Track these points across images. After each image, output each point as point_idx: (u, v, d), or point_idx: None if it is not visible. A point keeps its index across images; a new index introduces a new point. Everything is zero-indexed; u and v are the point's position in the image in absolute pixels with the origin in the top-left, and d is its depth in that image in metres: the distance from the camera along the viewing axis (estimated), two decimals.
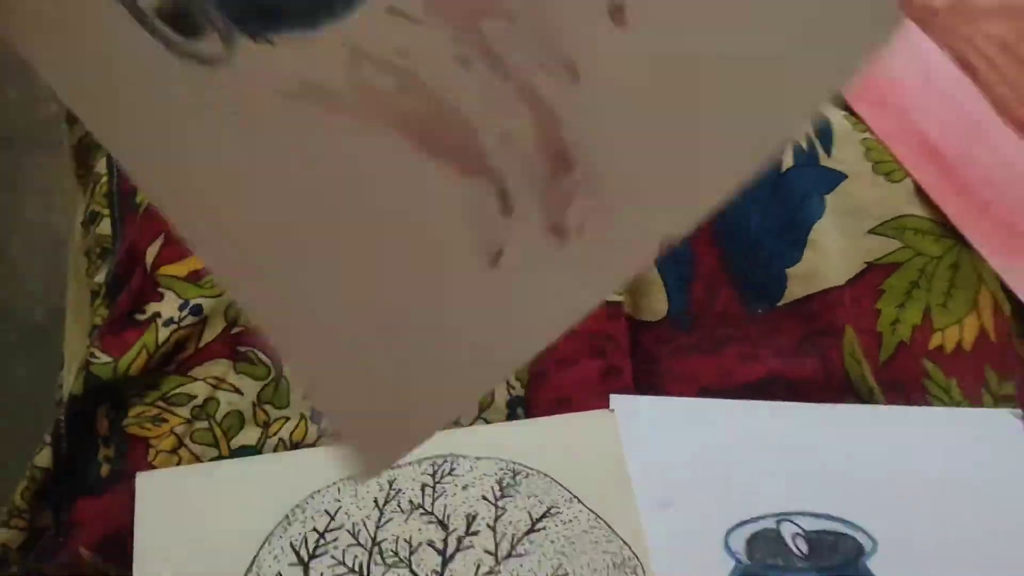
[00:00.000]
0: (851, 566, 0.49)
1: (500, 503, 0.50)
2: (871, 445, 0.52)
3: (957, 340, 0.57)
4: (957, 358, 0.56)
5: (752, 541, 0.50)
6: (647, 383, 0.56)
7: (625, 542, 0.50)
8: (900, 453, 0.52)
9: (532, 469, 0.51)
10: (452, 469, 0.51)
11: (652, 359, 0.57)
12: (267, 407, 0.53)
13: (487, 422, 0.54)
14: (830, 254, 0.58)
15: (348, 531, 0.48)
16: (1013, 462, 0.52)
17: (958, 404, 0.55)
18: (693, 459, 0.53)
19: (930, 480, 0.51)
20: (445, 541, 0.49)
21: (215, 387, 0.53)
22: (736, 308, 0.58)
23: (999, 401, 0.55)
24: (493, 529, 0.49)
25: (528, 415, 0.54)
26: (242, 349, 0.55)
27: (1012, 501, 0.51)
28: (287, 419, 0.53)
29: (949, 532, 0.50)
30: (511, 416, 0.54)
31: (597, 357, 0.56)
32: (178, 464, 0.51)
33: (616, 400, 0.55)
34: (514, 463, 0.51)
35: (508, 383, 0.54)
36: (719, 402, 0.54)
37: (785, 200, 0.59)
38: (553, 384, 0.55)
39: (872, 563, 0.49)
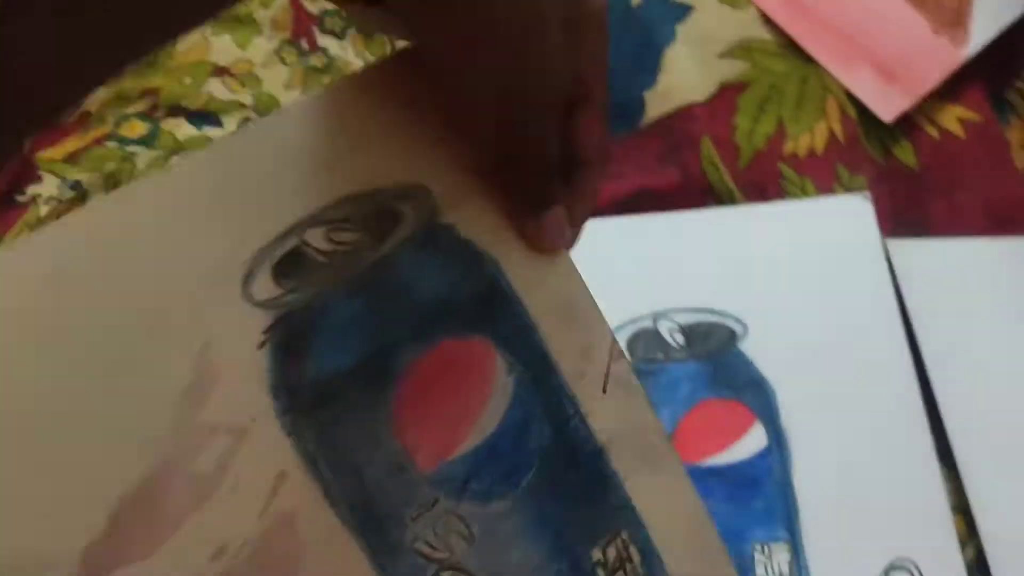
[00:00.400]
0: (726, 351, 0.52)
1: None
2: (735, 241, 0.55)
3: (809, 145, 0.60)
4: (810, 160, 0.59)
5: (633, 340, 0.52)
6: None
7: None
8: (762, 244, 0.55)
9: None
10: None
11: None
12: None
13: None
14: (684, 76, 0.60)
15: None
16: (864, 239, 0.55)
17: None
18: None
19: (791, 265, 0.54)
20: None
21: None
22: None
23: (851, 192, 0.59)
24: None
25: None
26: None
27: (863, 274, 0.54)
28: None
29: (811, 310, 0.53)
30: None
31: None
32: None
33: None
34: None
35: None
36: (593, 221, 0.56)
37: (636, 31, 0.61)
38: None
39: (744, 345, 0.52)
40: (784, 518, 0.47)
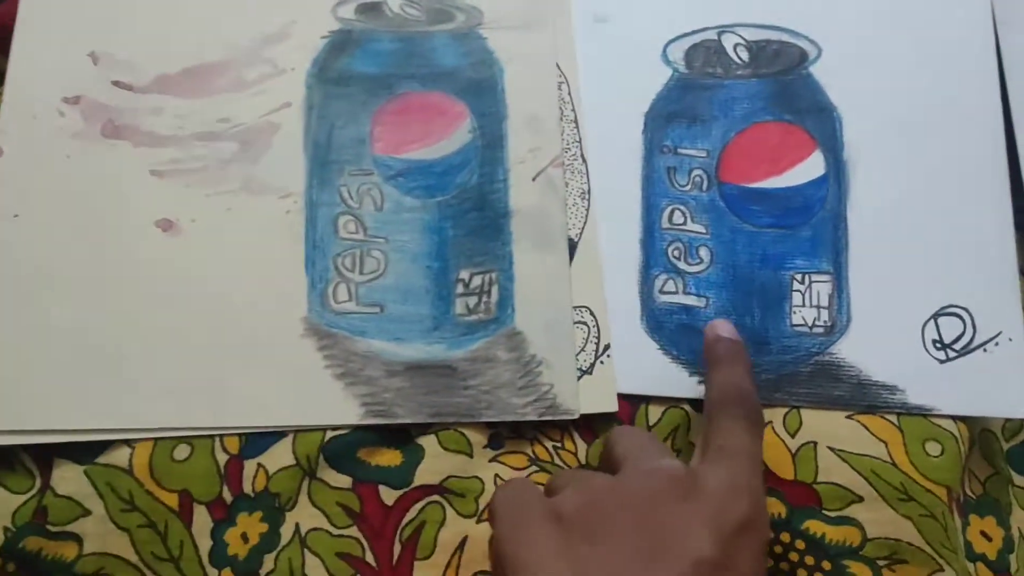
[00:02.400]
0: (793, 72, 0.47)
1: None
2: None
3: None
4: None
5: (691, 51, 0.48)
6: None
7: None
8: None
9: None
10: None
11: None
12: None
13: None
14: None
15: None
16: None
17: None
18: None
19: None
20: None
21: None
22: None
23: None
24: None
25: None
26: None
27: (965, 10, 0.48)
28: None
29: (897, 39, 0.48)
30: None
31: None
32: None
33: None
34: None
35: None
36: None
37: None
38: None
39: (815, 69, 0.47)
40: (831, 251, 0.44)
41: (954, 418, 0.42)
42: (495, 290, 0.44)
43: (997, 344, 0.42)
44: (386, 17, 0.48)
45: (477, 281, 0.44)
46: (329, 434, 0.40)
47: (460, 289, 0.44)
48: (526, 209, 0.45)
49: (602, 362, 0.43)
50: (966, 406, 0.41)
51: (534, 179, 0.45)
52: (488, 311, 0.44)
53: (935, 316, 0.43)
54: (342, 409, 0.41)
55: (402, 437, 0.41)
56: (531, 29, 0.47)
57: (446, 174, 0.45)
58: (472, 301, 0.44)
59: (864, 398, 0.41)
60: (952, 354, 0.42)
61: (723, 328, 0.40)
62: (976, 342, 0.42)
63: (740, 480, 0.33)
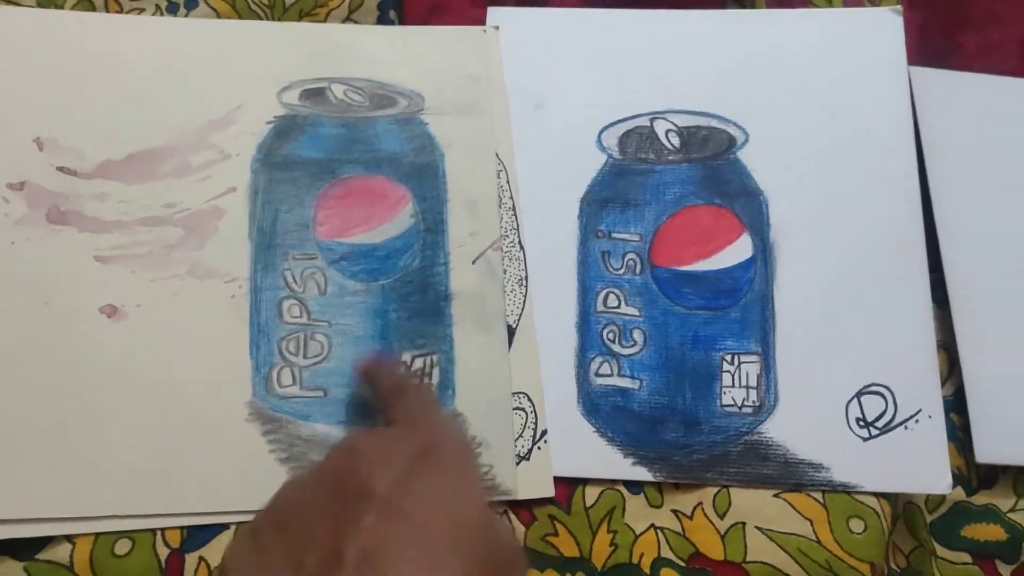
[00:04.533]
0: (722, 157, 0.49)
1: None
2: (750, 46, 0.51)
3: None
4: None
5: (625, 137, 0.50)
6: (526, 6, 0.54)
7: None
8: (778, 51, 0.51)
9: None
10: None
11: None
12: None
13: (356, 23, 0.52)
14: None
15: None
16: (889, 57, 0.51)
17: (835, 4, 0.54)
18: (570, 65, 0.51)
19: (806, 75, 0.50)
20: None
21: None
22: None
23: (882, 3, 0.54)
24: None
25: (401, 22, 0.52)
26: None
27: (882, 94, 0.50)
28: None
29: (820, 124, 0.50)
30: (382, 20, 0.52)
31: None
32: None
33: (494, 12, 0.53)
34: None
35: None
36: (598, 12, 0.53)
37: None
38: None
39: (742, 154, 0.49)
40: (759, 331, 0.46)
41: (877, 495, 0.43)
42: (436, 372, 0.45)
43: (917, 421, 0.44)
44: (330, 103, 0.49)
45: (419, 364, 0.45)
46: None
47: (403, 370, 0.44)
48: (466, 292, 0.46)
49: (539, 447, 0.44)
50: (888, 483, 0.43)
51: (474, 262, 0.47)
52: None
53: (858, 395, 0.44)
54: None
55: None
56: (471, 114, 0.49)
57: (389, 257, 0.46)
58: None
59: (791, 476, 0.43)
60: (875, 432, 0.44)
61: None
62: (897, 420, 0.44)
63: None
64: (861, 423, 0.44)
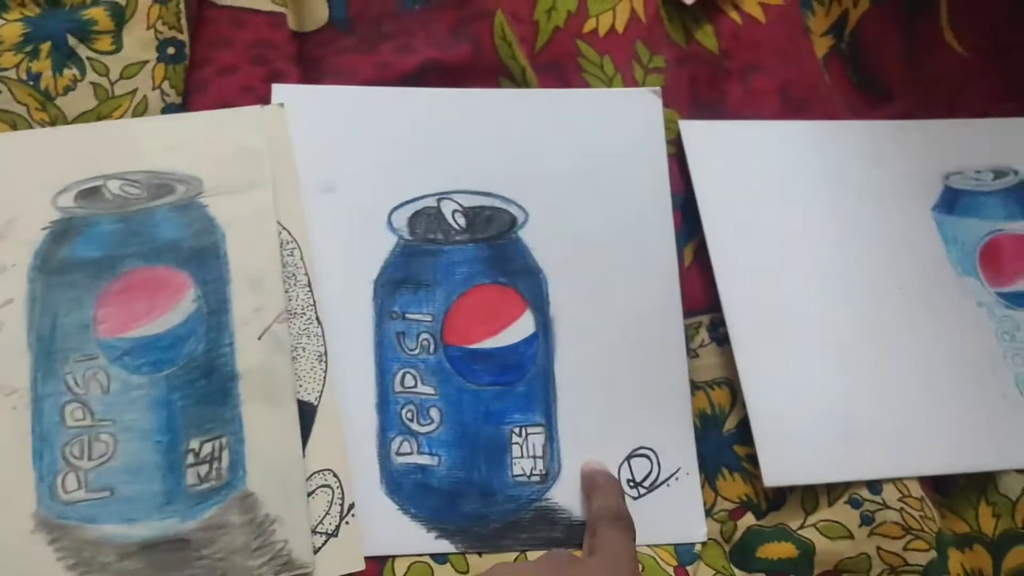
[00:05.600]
0: (505, 236, 0.52)
1: None
2: (524, 126, 0.54)
3: (610, 24, 0.59)
4: (610, 38, 0.58)
5: (414, 219, 0.51)
6: (312, 84, 0.54)
7: (283, 226, 0.50)
8: (549, 132, 0.55)
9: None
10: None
11: (315, 62, 0.55)
12: None
13: None
14: None
15: None
16: (648, 136, 0.56)
17: (611, 78, 0.58)
18: (356, 146, 0.52)
19: (575, 155, 0.54)
20: None
21: None
22: (392, 7, 0.57)
23: (649, 74, 0.58)
24: None
25: None
26: None
27: (643, 172, 0.55)
28: None
29: (591, 202, 0.54)
30: None
31: (260, 64, 0.53)
32: None
33: (279, 90, 0.52)
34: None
35: (162, 91, 0.50)
36: (379, 90, 0.53)
37: None
38: (213, 92, 0.52)
39: (523, 233, 0.52)
40: (543, 404, 0.50)
41: (651, 546, 0.49)
42: (226, 455, 0.45)
43: (677, 479, 0.50)
44: (106, 200, 0.48)
45: (208, 448, 0.45)
46: None
47: (191, 459, 0.45)
48: (253, 369, 0.46)
49: (347, 522, 0.46)
50: (655, 536, 0.49)
51: (260, 337, 0.47)
52: (219, 477, 0.45)
53: (628, 458, 0.50)
54: None
55: None
56: (251, 189, 0.49)
57: (172, 346, 0.46)
58: (203, 470, 0.45)
59: (576, 538, 0.48)
60: (643, 491, 0.50)
61: (596, 463, 0.48)
62: (661, 478, 0.50)
63: (621, 569, 0.42)
64: (631, 483, 0.49)
